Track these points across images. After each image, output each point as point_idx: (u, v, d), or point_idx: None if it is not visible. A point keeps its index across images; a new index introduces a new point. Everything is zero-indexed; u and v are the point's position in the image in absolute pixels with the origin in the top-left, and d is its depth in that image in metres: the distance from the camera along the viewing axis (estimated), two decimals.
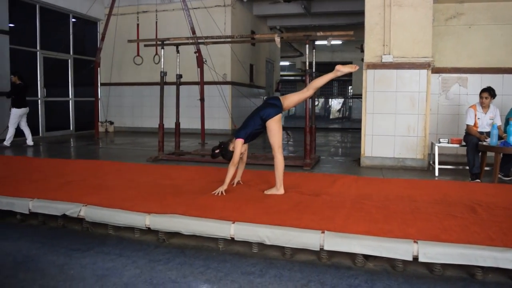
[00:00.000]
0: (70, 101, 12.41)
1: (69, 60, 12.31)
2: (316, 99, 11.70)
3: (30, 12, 10.86)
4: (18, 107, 8.96)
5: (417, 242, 2.70)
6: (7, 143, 8.88)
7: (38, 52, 11.08)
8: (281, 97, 4.16)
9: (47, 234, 3.50)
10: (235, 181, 4.49)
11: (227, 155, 4.15)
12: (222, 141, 4.29)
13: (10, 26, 9.95)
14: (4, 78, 9.79)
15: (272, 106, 4.11)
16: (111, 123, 13.27)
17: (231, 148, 4.13)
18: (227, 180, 4.03)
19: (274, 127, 4.04)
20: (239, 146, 4.03)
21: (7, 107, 9.73)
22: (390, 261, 2.80)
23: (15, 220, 3.84)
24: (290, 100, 4.19)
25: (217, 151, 4.21)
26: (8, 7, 9.85)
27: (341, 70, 4.05)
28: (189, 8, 10.05)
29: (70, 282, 2.57)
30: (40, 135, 11.18)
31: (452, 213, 3.37)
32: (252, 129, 4.10)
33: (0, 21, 9.63)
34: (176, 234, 3.29)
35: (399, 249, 2.69)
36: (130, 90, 13.32)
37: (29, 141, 9.21)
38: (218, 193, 3.97)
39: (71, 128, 12.46)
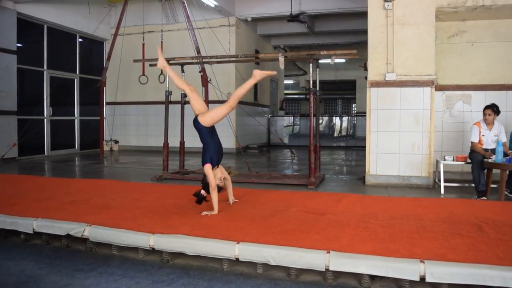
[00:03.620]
0: (76, 120, 12.49)
1: (75, 80, 12.44)
2: (320, 117, 11.70)
3: (37, 32, 11.04)
4: None
5: (423, 262, 2.67)
6: None
7: (45, 72, 11.21)
8: (198, 117, 4.18)
9: (51, 254, 3.49)
10: (230, 200, 4.46)
11: (206, 187, 4.07)
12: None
13: (18, 46, 10.09)
14: (12, 98, 9.89)
15: (194, 121, 4.21)
16: (116, 142, 13.32)
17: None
18: (215, 205, 3.99)
19: (208, 113, 4.14)
20: (209, 171, 4.01)
21: (13, 125, 9.84)
22: (397, 281, 2.77)
23: (19, 239, 3.84)
24: (211, 115, 4.17)
25: (202, 191, 4.09)
26: (17, 27, 10.01)
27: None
28: (194, 28, 10.16)
29: None
30: (45, 153, 11.23)
31: (459, 232, 3.34)
32: (208, 147, 4.12)
33: (8, 41, 9.77)
34: (180, 254, 3.27)
35: (405, 269, 2.66)
36: (135, 109, 13.40)
37: None
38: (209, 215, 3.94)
39: (76, 147, 12.51)
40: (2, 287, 2.80)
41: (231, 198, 4.47)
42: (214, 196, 4.01)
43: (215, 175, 4.06)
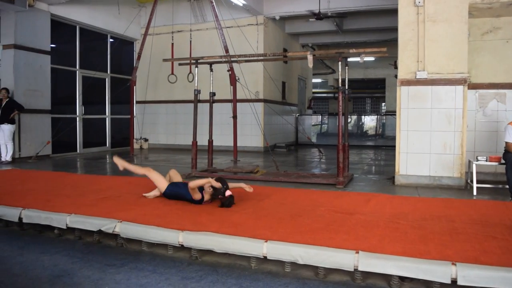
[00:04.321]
0: (107, 118, 12.78)
1: (107, 79, 12.73)
2: (348, 116, 11.60)
3: (70, 33, 11.34)
4: (12, 123, 9.18)
5: (455, 264, 2.61)
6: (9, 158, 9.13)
7: (77, 71, 11.51)
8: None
9: (83, 249, 3.58)
10: (246, 188, 4.51)
11: (218, 192, 4.26)
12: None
13: (51, 47, 10.39)
14: (47, 97, 10.19)
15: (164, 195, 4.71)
16: (146, 140, 13.55)
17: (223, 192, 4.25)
18: (200, 181, 4.32)
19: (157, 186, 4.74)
20: (194, 183, 4.35)
21: (47, 123, 10.13)
22: (427, 283, 2.72)
23: (52, 234, 3.95)
24: (157, 185, 4.76)
25: (225, 193, 4.26)
26: (50, 28, 10.29)
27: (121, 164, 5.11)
28: (222, 27, 10.22)
29: None
30: (78, 151, 11.53)
31: (492, 234, 3.25)
32: (183, 192, 4.48)
33: (42, 42, 10.07)
34: (209, 252, 3.29)
35: (436, 271, 2.61)
36: (164, 108, 13.59)
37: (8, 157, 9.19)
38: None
39: (107, 145, 12.80)
40: (37, 280, 2.89)
41: (246, 187, 4.52)
42: (199, 180, 4.32)
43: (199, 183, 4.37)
